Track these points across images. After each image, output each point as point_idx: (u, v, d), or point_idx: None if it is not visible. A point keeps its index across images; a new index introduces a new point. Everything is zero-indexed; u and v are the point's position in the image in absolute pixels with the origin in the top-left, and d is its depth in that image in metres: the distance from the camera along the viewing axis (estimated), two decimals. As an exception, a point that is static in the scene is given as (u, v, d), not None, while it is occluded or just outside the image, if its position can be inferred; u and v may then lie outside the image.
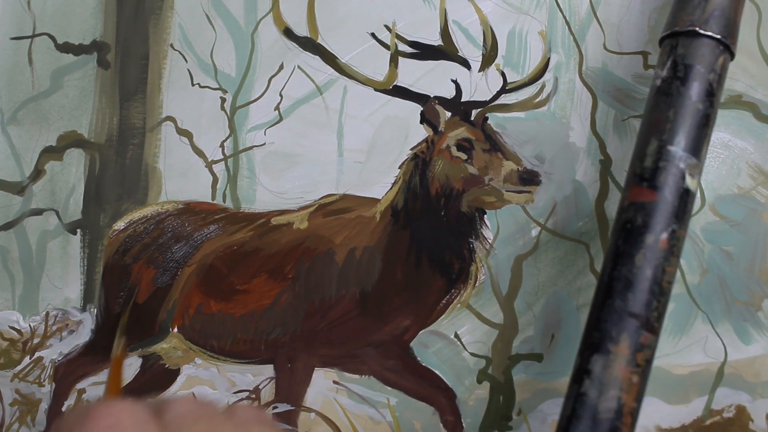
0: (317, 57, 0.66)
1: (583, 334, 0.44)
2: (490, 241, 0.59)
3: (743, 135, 0.56)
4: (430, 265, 0.60)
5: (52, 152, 0.72)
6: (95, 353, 0.67)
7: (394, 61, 0.64)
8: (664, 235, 0.42)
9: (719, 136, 0.56)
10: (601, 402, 0.40)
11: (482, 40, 0.62)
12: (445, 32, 0.63)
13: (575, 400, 0.42)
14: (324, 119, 0.65)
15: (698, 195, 0.54)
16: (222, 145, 0.67)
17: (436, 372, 0.59)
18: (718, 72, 0.45)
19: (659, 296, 0.42)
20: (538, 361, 0.57)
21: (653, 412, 0.54)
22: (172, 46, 0.70)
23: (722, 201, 0.55)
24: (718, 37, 0.45)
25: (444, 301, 0.59)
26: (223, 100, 0.68)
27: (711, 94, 0.45)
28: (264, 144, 0.66)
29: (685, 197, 0.43)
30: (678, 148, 0.44)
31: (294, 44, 0.67)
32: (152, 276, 0.66)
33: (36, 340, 0.69)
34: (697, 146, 0.44)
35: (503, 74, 0.61)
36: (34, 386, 0.68)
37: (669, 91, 0.45)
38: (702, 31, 0.45)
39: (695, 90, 0.45)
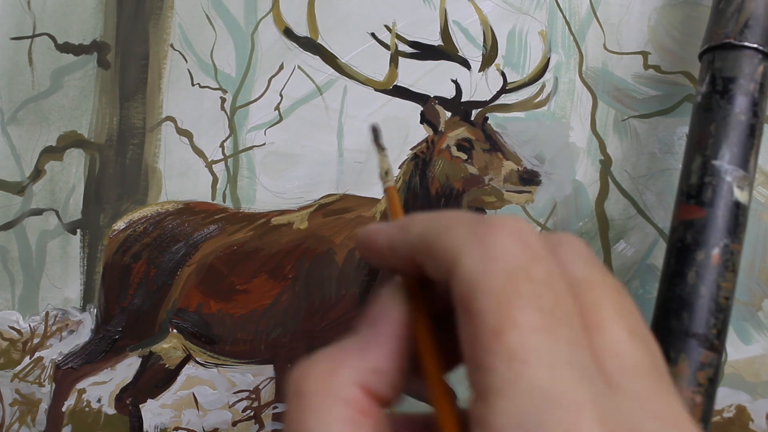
0: (317, 57, 0.66)
1: None
2: (490, 241, 0.59)
3: (743, 135, 0.56)
4: (430, 265, 0.60)
5: (52, 152, 0.72)
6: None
7: (394, 61, 0.64)
8: (716, 251, 0.42)
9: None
10: None
11: (482, 40, 0.62)
12: (445, 32, 0.63)
13: None
14: (324, 119, 0.65)
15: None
16: (222, 145, 0.67)
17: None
18: (760, 81, 0.44)
19: (716, 313, 0.41)
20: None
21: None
22: (172, 46, 0.70)
23: (722, 201, 0.55)
24: (755, 46, 0.45)
25: (444, 301, 0.59)
26: (223, 100, 0.68)
27: (754, 104, 0.44)
28: (264, 144, 0.66)
29: (735, 211, 0.42)
30: (723, 161, 0.43)
31: (294, 44, 0.67)
32: (152, 276, 0.66)
33: (36, 340, 0.69)
34: (744, 158, 0.43)
35: (503, 74, 0.61)
36: (34, 386, 0.68)
37: (709, 106, 0.45)
38: (737, 42, 0.45)
39: (736, 101, 0.44)
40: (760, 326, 0.54)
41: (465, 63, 0.62)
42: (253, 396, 0.63)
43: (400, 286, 0.22)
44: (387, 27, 0.64)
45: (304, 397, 0.20)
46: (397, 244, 0.22)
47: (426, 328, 0.21)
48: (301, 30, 0.67)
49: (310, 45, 0.66)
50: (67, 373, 0.67)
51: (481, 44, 0.62)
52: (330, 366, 0.20)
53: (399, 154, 0.63)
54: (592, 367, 0.18)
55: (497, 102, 0.61)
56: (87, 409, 0.67)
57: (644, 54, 0.59)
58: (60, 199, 0.71)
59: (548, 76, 0.60)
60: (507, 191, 0.59)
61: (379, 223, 0.24)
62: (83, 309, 0.69)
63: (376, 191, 0.63)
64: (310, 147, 0.65)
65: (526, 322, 0.17)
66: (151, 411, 0.65)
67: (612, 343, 0.18)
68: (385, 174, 0.29)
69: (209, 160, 0.67)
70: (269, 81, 0.67)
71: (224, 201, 0.66)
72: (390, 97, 0.63)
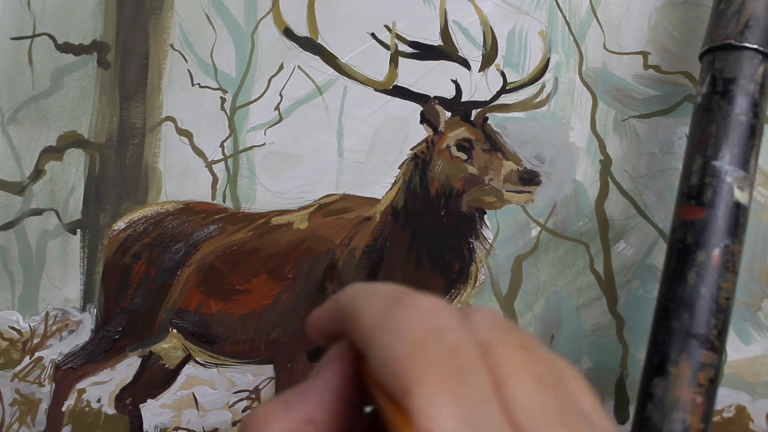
0: (317, 57, 0.66)
1: (645, 358, 0.44)
2: (490, 241, 0.59)
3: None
4: (430, 265, 0.60)
5: (52, 152, 0.72)
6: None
7: (394, 61, 0.64)
8: (716, 252, 0.42)
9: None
10: (665, 425, 0.40)
11: (482, 40, 0.62)
12: (445, 32, 0.63)
13: (639, 425, 0.41)
14: (324, 119, 0.65)
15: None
16: (222, 145, 0.67)
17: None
18: (760, 81, 0.44)
19: (717, 313, 0.41)
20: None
21: (653, 412, 0.54)
22: (172, 46, 0.70)
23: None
24: (756, 46, 0.45)
25: (444, 301, 0.59)
26: (223, 100, 0.68)
27: (755, 105, 0.44)
28: (264, 144, 0.66)
29: (735, 211, 0.42)
30: (723, 162, 0.43)
31: (294, 44, 0.67)
32: (152, 276, 0.66)
33: (36, 340, 0.69)
34: (745, 159, 0.43)
35: (503, 74, 0.61)
36: (34, 386, 0.68)
37: (709, 106, 0.45)
38: (737, 43, 0.45)
39: (736, 102, 0.44)
40: (760, 326, 0.54)
41: (465, 63, 0.62)
42: (253, 396, 0.63)
43: (345, 345, 0.24)
44: (387, 27, 0.64)
45: None
46: (330, 316, 0.25)
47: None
48: (301, 30, 0.67)
49: (310, 45, 0.66)
50: (67, 373, 0.67)
51: (481, 44, 0.62)
52: (267, 415, 0.23)
53: (399, 154, 0.63)
54: (503, 421, 0.19)
55: (497, 102, 0.61)
56: (87, 409, 0.67)
57: (644, 54, 0.59)
58: (60, 199, 0.71)
59: (548, 76, 0.60)
60: (507, 191, 0.59)
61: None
62: (83, 309, 0.69)
63: (376, 191, 0.63)
64: (310, 147, 0.65)
65: (432, 381, 0.19)
66: (151, 411, 0.65)
67: (519, 395, 0.19)
68: None
69: (209, 160, 0.67)
70: (269, 81, 0.67)
71: (224, 201, 0.66)
72: (390, 97, 0.63)
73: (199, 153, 0.68)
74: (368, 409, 0.24)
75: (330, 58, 0.65)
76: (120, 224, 0.68)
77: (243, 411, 0.63)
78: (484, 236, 0.60)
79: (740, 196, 0.43)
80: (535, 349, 0.21)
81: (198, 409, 0.64)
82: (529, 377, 0.20)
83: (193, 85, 0.69)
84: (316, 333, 0.26)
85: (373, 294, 0.23)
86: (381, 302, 0.22)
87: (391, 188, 0.62)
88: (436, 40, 0.63)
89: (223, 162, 0.67)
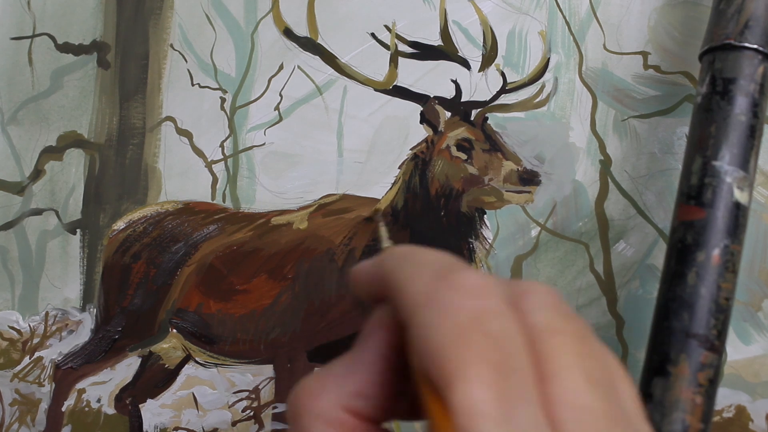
0: (317, 57, 0.66)
1: (645, 358, 0.43)
2: (489, 242, 0.59)
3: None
4: (430, 265, 0.60)
5: (52, 152, 0.72)
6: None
7: (394, 61, 0.64)
8: (716, 252, 0.42)
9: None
10: (665, 425, 0.40)
11: (482, 40, 0.62)
12: (445, 32, 0.63)
13: None
14: (324, 119, 0.65)
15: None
16: (222, 145, 0.67)
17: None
18: (760, 81, 0.44)
19: (717, 314, 0.41)
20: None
21: (653, 412, 0.53)
22: (172, 46, 0.70)
23: (722, 201, 0.55)
24: (755, 46, 0.45)
25: (444, 301, 0.59)
26: (223, 100, 0.68)
27: (754, 105, 0.44)
28: (264, 144, 0.66)
29: (735, 211, 0.43)
30: (723, 162, 0.43)
31: (294, 44, 0.67)
32: (152, 276, 0.66)
33: (36, 340, 0.69)
34: (744, 159, 0.43)
35: (503, 74, 0.61)
36: (34, 386, 0.68)
37: (709, 106, 0.45)
38: (737, 43, 0.45)
39: (736, 102, 0.44)
40: (759, 327, 0.54)
41: (465, 63, 0.62)
42: (253, 396, 0.63)
43: (390, 311, 0.23)
44: (387, 27, 0.64)
45: (296, 418, 0.21)
46: (374, 278, 0.24)
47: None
48: (301, 30, 0.67)
49: (310, 45, 0.66)
50: (66, 373, 0.67)
51: (481, 44, 0.62)
52: (316, 389, 0.21)
53: (399, 154, 0.63)
54: (541, 420, 0.18)
55: (497, 102, 0.61)
56: (87, 409, 0.67)
57: (644, 54, 0.59)
58: (60, 199, 0.71)
59: (548, 76, 0.60)
60: (507, 191, 0.59)
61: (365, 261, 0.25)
62: (83, 309, 0.69)
63: (376, 191, 0.63)
64: (310, 147, 0.65)
65: (475, 375, 0.18)
66: (151, 411, 0.65)
67: (566, 392, 0.18)
68: (381, 240, 0.32)
69: (209, 160, 0.67)
70: (269, 81, 0.67)
71: (224, 201, 0.66)
72: (390, 97, 0.63)
73: (199, 153, 0.68)
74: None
75: (330, 58, 0.65)
76: (120, 224, 0.68)
77: (243, 411, 0.63)
78: (483, 236, 0.60)
79: (740, 196, 0.43)
80: (590, 341, 0.20)
81: (198, 409, 0.64)
82: (580, 374, 0.19)
83: (193, 85, 0.69)
84: (360, 291, 0.25)
85: (419, 264, 0.22)
86: (426, 276, 0.21)
87: (390, 188, 0.62)
88: (436, 40, 0.63)
89: (223, 162, 0.67)
